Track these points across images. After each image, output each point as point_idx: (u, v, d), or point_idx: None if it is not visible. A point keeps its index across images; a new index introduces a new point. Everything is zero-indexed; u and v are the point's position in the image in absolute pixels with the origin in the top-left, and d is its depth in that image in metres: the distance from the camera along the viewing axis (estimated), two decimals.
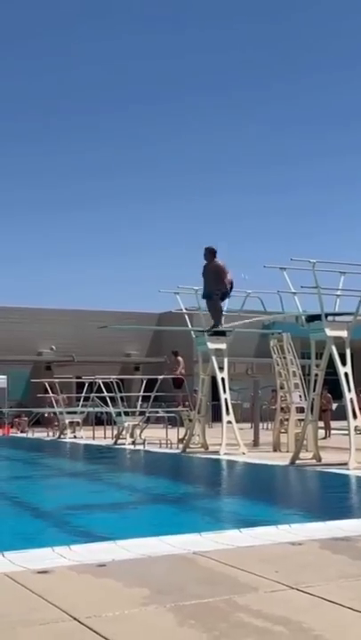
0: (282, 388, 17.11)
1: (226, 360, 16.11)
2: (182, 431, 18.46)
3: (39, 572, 4.85)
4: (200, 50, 53.97)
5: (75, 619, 3.85)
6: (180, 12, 52.69)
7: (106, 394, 20.72)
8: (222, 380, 15.78)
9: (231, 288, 15.82)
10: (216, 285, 15.62)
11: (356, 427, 12.96)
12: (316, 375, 13.17)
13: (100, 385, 21.37)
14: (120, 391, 20.29)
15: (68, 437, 22.80)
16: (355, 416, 12.82)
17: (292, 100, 55.40)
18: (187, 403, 20.54)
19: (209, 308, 16.07)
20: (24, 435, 26.69)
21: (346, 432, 13.25)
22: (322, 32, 56.11)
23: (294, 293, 13.33)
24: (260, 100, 54.22)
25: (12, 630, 3.71)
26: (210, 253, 15.87)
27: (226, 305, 16.50)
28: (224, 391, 15.71)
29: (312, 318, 13.32)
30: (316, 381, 13.17)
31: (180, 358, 21.26)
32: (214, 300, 15.83)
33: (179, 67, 54.18)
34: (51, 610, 4.02)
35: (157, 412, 21.58)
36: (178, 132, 54.82)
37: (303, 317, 13.54)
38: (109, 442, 19.96)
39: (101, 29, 53.16)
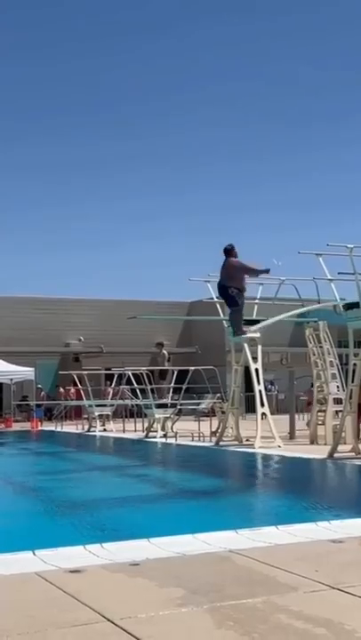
0: (318, 378, 16.83)
1: (260, 349, 15.74)
2: (215, 423, 18.31)
3: (71, 572, 4.76)
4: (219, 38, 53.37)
5: (108, 620, 3.76)
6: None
7: (136, 385, 20.58)
8: (256, 370, 15.42)
9: (239, 292, 15.35)
10: (232, 282, 15.24)
11: None
12: (355, 365, 12.89)
13: (129, 376, 21.20)
14: (150, 383, 20.08)
15: (98, 431, 22.67)
16: None
17: None
18: (218, 394, 20.38)
19: (230, 320, 15.79)
20: (52, 428, 26.65)
21: None
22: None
23: (331, 280, 13.08)
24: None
25: (44, 632, 3.62)
26: (226, 252, 15.51)
27: (259, 292, 16.21)
28: (258, 382, 15.33)
29: (350, 306, 13.07)
30: (354, 371, 12.91)
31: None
32: (233, 311, 15.51)
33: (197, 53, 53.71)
34: (83, 611, 3.93)
35: (193, 405, 21.37)
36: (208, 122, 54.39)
37: (341, 305, 13.28)
38: (140, 435, 19.87)
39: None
